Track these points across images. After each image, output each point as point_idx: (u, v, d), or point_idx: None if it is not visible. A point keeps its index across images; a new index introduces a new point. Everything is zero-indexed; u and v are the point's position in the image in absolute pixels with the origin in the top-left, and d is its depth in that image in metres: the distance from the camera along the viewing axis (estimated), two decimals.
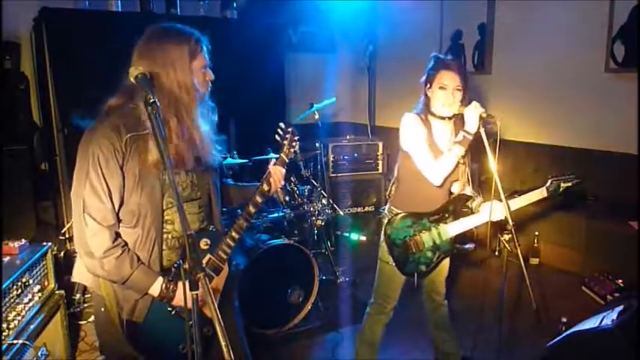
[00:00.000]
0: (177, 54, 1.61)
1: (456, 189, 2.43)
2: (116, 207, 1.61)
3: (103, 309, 1.68)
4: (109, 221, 1.59)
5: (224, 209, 2.02)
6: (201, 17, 4.73)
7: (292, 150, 1.92)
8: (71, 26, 3.99)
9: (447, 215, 2.34)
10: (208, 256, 1.77)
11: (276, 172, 1.90)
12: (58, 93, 3.99)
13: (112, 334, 1.67)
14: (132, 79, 1.47)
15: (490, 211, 2.22)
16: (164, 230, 1.70)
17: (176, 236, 1.73)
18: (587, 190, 4.11)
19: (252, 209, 1.84)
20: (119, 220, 1.64)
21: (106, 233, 1.58)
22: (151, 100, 1.37)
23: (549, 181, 2.31)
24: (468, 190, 2.42)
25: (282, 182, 1.93)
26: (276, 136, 1.90)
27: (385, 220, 2.42)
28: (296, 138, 1.91)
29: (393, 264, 2.35)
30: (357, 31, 5.96)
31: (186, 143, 1.67)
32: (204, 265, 1.68)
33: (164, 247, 1.71)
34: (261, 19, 5.05)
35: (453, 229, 2.34)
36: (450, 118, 2.33)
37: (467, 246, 2.41)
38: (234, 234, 1.80)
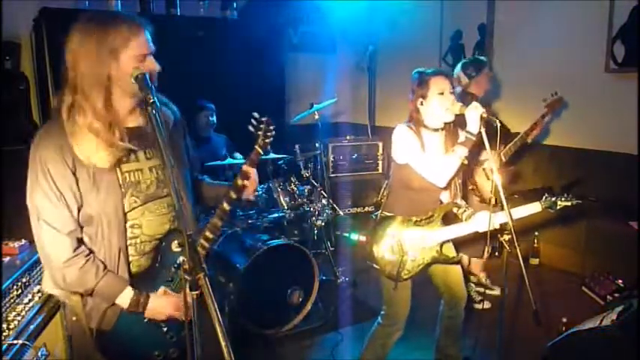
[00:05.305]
0: (99, 43, 1.52)
1: (445, 198, 2.42)
2: (74, 212, 1.49)
3: (74, 318, 1.59)
4: (67, 227, 1.48)
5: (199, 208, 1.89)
6: (201, 17, 4.73)
7: (267, 141, 1.74)
8: (71, 26, 3.99)
9: (432, 221, 2.31)
10: (181, 258, 1.62)
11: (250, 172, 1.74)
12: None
13: (84, 344, 1.58)
14: (132, 79, 1.46)
15: (486, 221, 2.16)
16: (130, 235, 1.58)
17: (145, 240, 1.61)
18: (587, 190, 4.11)
19: (226, 206, 1.69)
20: (80, 226, 1.53)
21: (65, 241, 1.48)
22: (151, 101, 1.36)
23: (544, 196, 2.26)
24: (459, 200, 2.41)
25: (257, 183, 1.80)
26: (250, 127, 1.73)
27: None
28: (271, 127, 1.73)
29: (377, 267, 2.34)
30: (357, 31, 5.96)
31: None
32: (203, 266, 1.65)
33: (133, 252, 1.60)
34: (261, 19, 5.05)
35: (438, 235, 2.31)
36: (442, 130, 2.33)
37: (455, 255, 2.41)
38: (208, 234, 1.68)
